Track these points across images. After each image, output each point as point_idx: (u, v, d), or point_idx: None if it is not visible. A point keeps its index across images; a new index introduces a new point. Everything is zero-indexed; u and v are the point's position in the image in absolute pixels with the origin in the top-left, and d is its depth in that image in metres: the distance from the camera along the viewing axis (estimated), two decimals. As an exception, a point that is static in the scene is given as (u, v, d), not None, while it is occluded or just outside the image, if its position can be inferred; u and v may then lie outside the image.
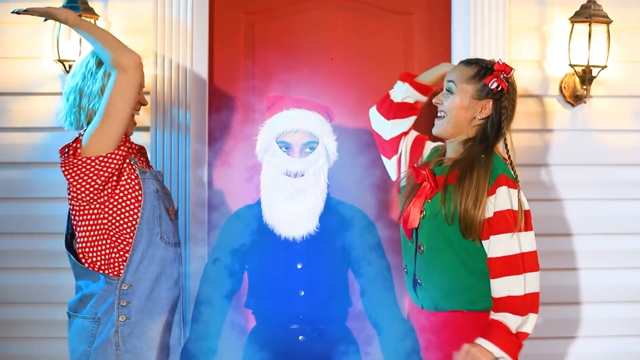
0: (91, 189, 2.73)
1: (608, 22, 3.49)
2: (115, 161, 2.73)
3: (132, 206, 2.77)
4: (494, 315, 2.69)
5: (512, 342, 2.68)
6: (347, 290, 2.86)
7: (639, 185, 3.63)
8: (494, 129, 2.81)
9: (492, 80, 2.80)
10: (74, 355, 2.78)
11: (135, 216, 2.76)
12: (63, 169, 2.75)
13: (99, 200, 2.75)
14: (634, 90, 3.63)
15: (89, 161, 2.71)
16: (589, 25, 3.48)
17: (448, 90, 2.85)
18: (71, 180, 2.74)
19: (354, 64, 3.64)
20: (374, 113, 3.09)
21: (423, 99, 3.06)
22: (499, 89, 2.80)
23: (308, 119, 2.78)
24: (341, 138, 2.97)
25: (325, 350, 2.81)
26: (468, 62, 2.89)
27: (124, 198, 2.77)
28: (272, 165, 2.77)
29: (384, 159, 3.08)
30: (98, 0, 3.50)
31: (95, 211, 2.76)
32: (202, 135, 3.55)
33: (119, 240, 2.77)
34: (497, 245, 2.70)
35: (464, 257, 2.76)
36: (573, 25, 3.52)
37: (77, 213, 2.77)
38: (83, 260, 2.78)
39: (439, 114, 2.87)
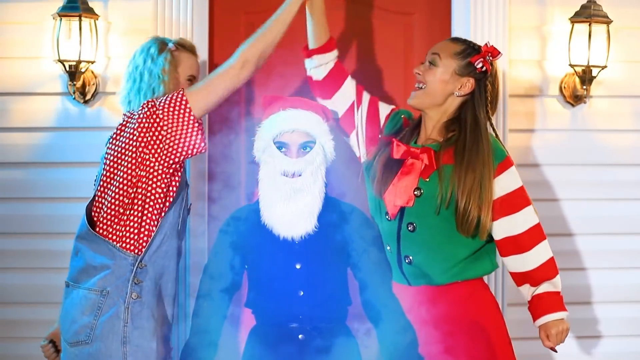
0: (171, 163, 2.74)
1: (608, 22, 3.49)
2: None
3: (171, 192, 2.78)
4: (538, 291, 2.80)
5: (561, 299, 2.82)
6: (346, 289, 2.86)
7: (639, 185, 3.63)
8: (481, 111, 2.83)
9: (478, 59, 2.82)
10: (74, 326, 2.73)
11: (168, 202, 2.78)
12: (166, 119, 2.72)
13: (155, 172, 2.74)
14: (634, 90, 3.63)
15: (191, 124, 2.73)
16: (589, 25, 3.48)
17: (431, 63, 2.86)
18: (171, 128, 2.72)
19: (354, 64, 3.64)
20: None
21: (335, 52, 3.03)
22: (483, 69, 2.82)
23: (305, 119, 2.77)
24: (338, 137, 2.97)
25: (325, 348, 2.81)
26: (456, 40, 2.92)
27: (169, 181, 2.77)
28: (269, 166, 2.76)
29: (344, 138, 3.05)
30: (98, 0, 3.50)
31: (144, 183, 2.75)
32: (202, 129, 3.56)
33: (147, 215, 2.75)
34: (524, 220, 2.79)
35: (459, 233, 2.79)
36: (573, 25, 3.52)
37: (124, 178, 2.74)
38: (109, 230, 2.75)
39: (417, 85, 2.88)
